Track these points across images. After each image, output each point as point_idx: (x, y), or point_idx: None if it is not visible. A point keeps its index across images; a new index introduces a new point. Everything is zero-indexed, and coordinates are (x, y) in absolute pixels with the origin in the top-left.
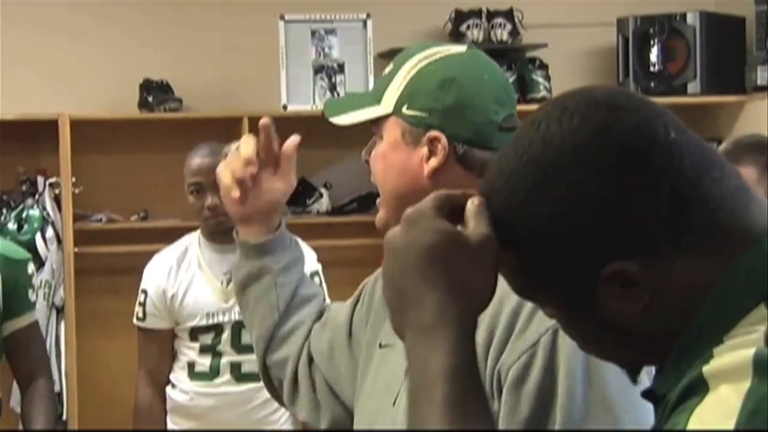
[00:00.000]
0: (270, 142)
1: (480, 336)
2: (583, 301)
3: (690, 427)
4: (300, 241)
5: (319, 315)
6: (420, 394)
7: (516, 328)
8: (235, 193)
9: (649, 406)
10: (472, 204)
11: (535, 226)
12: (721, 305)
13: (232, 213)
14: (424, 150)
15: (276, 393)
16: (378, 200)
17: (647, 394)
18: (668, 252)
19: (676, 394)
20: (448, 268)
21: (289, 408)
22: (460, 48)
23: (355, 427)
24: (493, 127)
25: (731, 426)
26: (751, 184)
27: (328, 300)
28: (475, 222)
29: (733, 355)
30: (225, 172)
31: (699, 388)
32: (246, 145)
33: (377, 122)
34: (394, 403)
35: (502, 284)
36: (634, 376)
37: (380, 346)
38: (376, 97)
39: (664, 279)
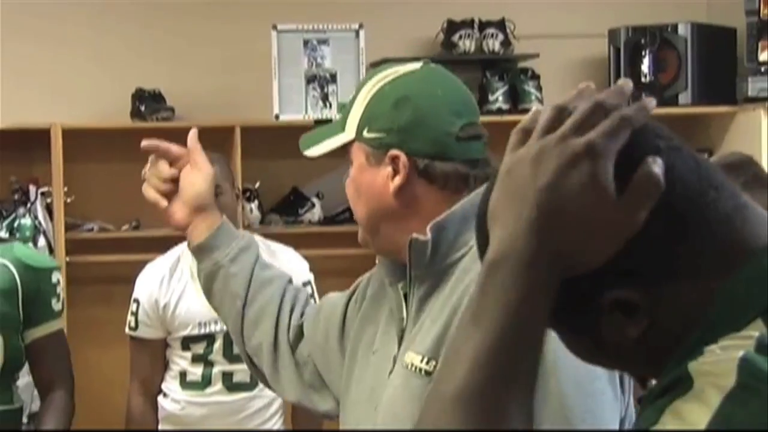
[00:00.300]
0: (166, 152)
1: (443, 319)
2: (584, 326)
3: (664, 418)
4: (293, 251)
5: (284, 293)
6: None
7: None
8: (163, 203)
9: (611, 415)
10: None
11: None
12: (717, 319)
13: (173, 224)
14: (388, 169)
15: (263, 379)
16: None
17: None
18: (667, 276)
19: (659, 387)
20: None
21: (276, 390)
22: (415, 66)
23: (345, 427)
24: (450, 139)
25: (703, 425)
26: None
27: (316, 302)
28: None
29: (721, 355)
30: (149, 192)
31: (683, 383)
32: (160, 166)
33: (347, 149)
34: (376, 408)
35: (474, 270)
36: (642, 383)
37: (373, 352)
38: (341, 125)
39: (664, 302)
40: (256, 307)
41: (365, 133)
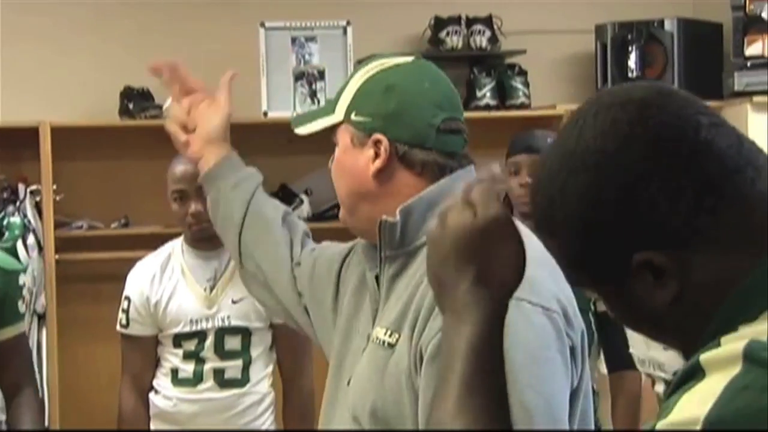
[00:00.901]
0: (183, 79)
1: (409, 318)
2: (618, 289)
3: (677, 408)
4: None
5: (282, 224)
6: (444, 372)
7: (435, 308)
8: (183, 136)
9: (560, 383)
10: (475, 191)
11: (567, 216)
12: (741, 303)
13: (188, 156)
14: (370, 152)
15: (259, 294)
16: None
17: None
18: (696, 244)
19: (677, 379)
20: (474, 256)
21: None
22: (407, 58)
23: (326, 405)
24: (431, 130)
25: (705, 411)
26: None
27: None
28: (482, 207)
29: (732, 344)
30: (172, 126)
31: (696, 374)
32: (175, 109)
33: (334, 131)
34: (348, 383)
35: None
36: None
37: (353, 328)
38: (332, 107)
39: (693, 271)
40: (255, 230)
41: (353, 116)
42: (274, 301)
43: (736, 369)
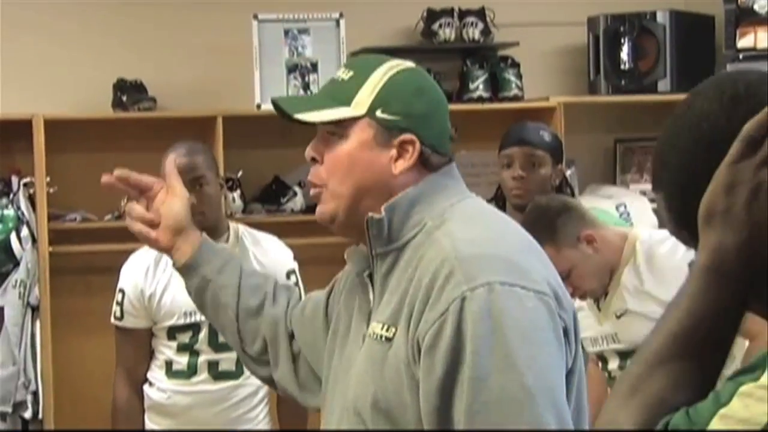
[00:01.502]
0: (136, 184)
1: (404, 311)
2: None
3: (734, 402)
4: (277, 239)
5: (276, 294)
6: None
7: (430, 300)
8: (152, 234)
9: (555, 363)
10: None
11: (670, 173)
12: None
13: (160, 250)
14: (393, 151)
15: (263, 375)
16: (313, 192)
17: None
18: None
19: (746, 365)
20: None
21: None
22: (410, 63)
23: (325, 413)
24: (447, 135)
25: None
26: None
27: (303, 296)
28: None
29: None
30: (135, 226)
31: (757, 365)
32: (136, 207)
33: (342, 122)
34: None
35: (423, 262)
36: None
37: (345, 337)
38: (342, 100)
39: None
40: (252, 312)
41: (379, 113)
42: (282, 376)
43: None
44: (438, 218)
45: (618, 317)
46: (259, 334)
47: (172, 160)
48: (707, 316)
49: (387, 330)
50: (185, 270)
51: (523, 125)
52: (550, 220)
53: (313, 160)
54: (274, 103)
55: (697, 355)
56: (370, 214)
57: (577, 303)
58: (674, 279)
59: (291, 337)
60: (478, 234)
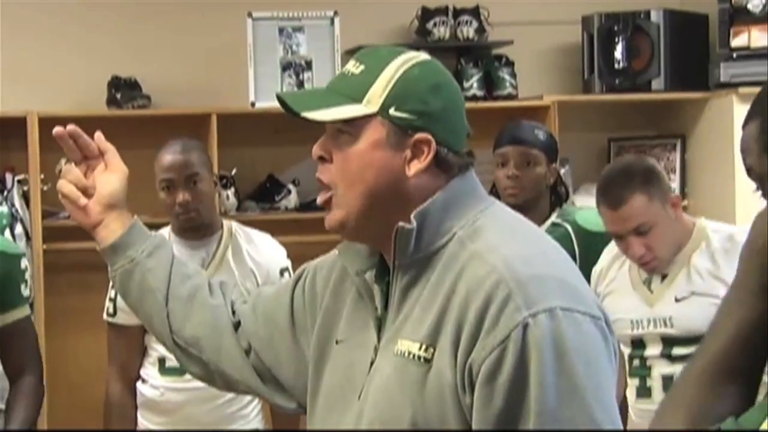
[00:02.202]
0: (84, 146)
1: (448, 332)
2: None
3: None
4: (270, 237)
5: (211, 285)
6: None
7: (485, 325)
8: (83, 201)
9: (612, 392)
10: None
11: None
12: None
13: (85, 223)
14: (407, 152)
15: (195, 373)
16: (322, 198)
17: None
18: None
19: None
20: None
21: (220, 378)
22: (426, 55)
23: (317, 420)
24: (464, 133)
25: None
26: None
27: None
28: None
29: None
30: (67, 187)
31: None
32: (73, 169)
33: (352, 121)
34: (359, 397)
35: (468, 280)
36: None
37: (336, 342)
38: (349, 96)
39: None
40: (183, 298)
41: (392, 111)
42: (218, 372)
43: None
44: (469, 227)
45: (678, 300)
46: (190, 320)
47: (100, 136)
48: (754, 333)
49: (426, 350)
50: (112, 250)
51: (518, 124)
52: (647, 169)
53: (321, 158)
54: (280, 98)
55: (740, 372)
56: (400, 223)
57: (613, 284)
58: None
59: (235, 329)
60: (525, 250)
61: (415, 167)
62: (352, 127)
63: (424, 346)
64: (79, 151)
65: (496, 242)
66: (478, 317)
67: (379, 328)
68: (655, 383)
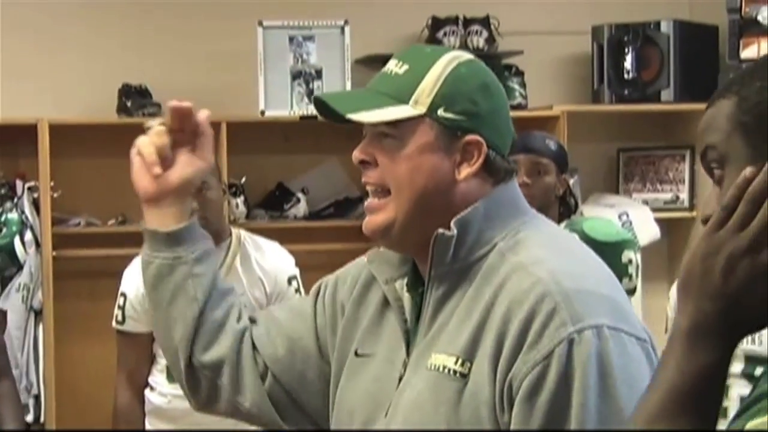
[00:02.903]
0: (191, 119)
1: (487, 346)
2: None
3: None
4: (279, 245)
5: (241, 309)
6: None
7: (528, 338)
8: (158, 170)
9: None
10: None
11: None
12: None
13: (144, 191)
14: (457, 155)
15: (199, 394)
16: (367, 203)
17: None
18: None
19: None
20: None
21: (231, 405)
22: (469, 54)
23: None
24: (511, 137)
25: None
26: None
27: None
28: None
29: None
30: (148, 148)
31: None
32: (170, 121)
33: (399, 123)
34: (386, 414)
35: (511, 293)
36: None
37: (356, 354)
38: (395, 97)
39: None
40: (215, 318)
41: (441, 112)
42: (228, 398)
43: None
44: (510, 238)
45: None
46: (219, 344)
47: (206, 116)
48: (696, 375)
49: (462, 365)
50: (163, 238)
51: (529, 133)
52: None
53: (364, 163)
54: (318, 100)
55: (692, 411)
56: (440, 230)
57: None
58: None
59: (254, 358)
60: (572, 265)
61: (465, 171)
62: (398, 129)
63: (460, 361)
64: (179, 121)
65: (540, 255)
66: (521, 331)
67: (408, 342)
68: (732, 404)
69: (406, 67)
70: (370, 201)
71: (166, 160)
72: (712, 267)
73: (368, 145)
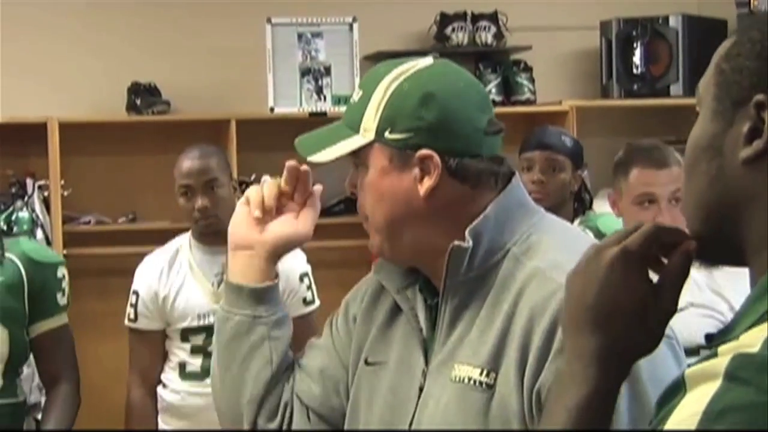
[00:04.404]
0: (305, 185)
1: (512, 356)
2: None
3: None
4: None
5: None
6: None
7: (554, 346)
8: (259, 213)
9: None
10: (679, 256)
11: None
12: None
13: (238, 236)
14: (415, 171)
15: None
16: (366, 225)
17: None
18: None
19: (665, 389)
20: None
21: None
22: (427, 61)
23: None
24: (479, 135)
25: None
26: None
27: (316, 299)
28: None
29: (721, 358)
30: (256, 194)
31: (678, 390)
32: (284, 182)
33: (359, 152)
34: (410, 425)
35: (532, 300)
36: None
37: (366, 362)
38: (351, 127)
39: None
40: (282, 383)
41: (388, 134)
42: None
43: (715, 386)
44: (522, 242)
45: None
46: (280, 407)
47: (319, 191)
48: (597, 403)
49: (487, 375)
50: (244, 295)
51: (545, 129)
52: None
53: (353, 194)
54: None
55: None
56: (456, 242)
57: None
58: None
59: (301, 403)
60: None
61: (426, 185)
62: (361, 158)
63: (485, 371)
64: (293, 182)
65: (557, 259)
66: (546, 340)
67: (425, 351)
68: None
69: (360, 93)
70: (364, 224)
71: (269, 215)
72: (587, 282)
73: (353, 175)
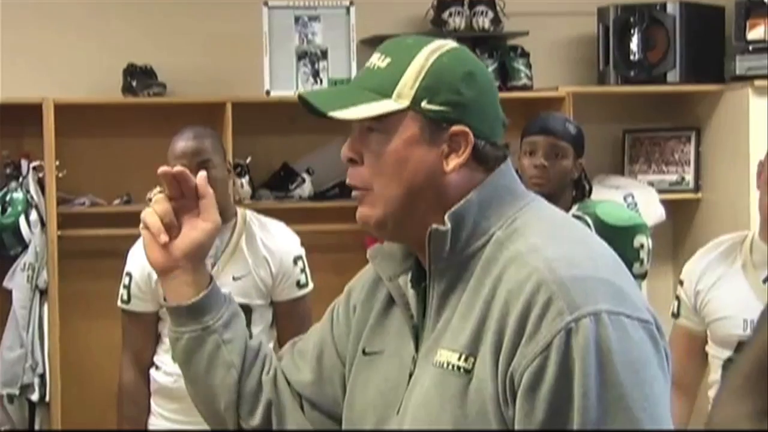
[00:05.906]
0: (188, 181)
1: (488, 341)
2: None
3: None
4: (284, 225)
5: (270, 360)
6: None
7: (526, 331)
8: (164, 238)
9: (665, 401)
10: None
11: None
12: None
13: (156, 263)
14: (443, 146)
15: None
16: (356, 194)
17: None
18: None
19: None
20: None
21: None
22: (453, 42)
23: None
24: (500, 123)
25: None
26: None
27: (309, 283)
28: None
29: None
30: (152, 217)
31: None
32: (167, 190)
33: (382, 117)
34: (398, 412)
35: (509, 284)
36: None
37: (364, 352)
38: (377, 91)
39: None
40: (255, 375)
41: (425, 104)
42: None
43: None
44: (507, 227)
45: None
46: (260, 403)
47: (203, 178)
48: None
49: (465, 360)
50: (184, 314)
51: (549, 115)
52: None
53: (351, 161)
54: (302, 98)
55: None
56: (433, 225)
57: (722, 281)
58: None
59: (291, 392)
60: (570, 251)
61: (453, 162)
62: (384, 124)
63: (464, 356)
64: (178, 186)
65: (537, 243)
66: (519, 323)
67: (417, 338)
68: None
69: (388, 60)
70: (355, 193)
71: (172, 229)
72: None
73: (354, 142)
